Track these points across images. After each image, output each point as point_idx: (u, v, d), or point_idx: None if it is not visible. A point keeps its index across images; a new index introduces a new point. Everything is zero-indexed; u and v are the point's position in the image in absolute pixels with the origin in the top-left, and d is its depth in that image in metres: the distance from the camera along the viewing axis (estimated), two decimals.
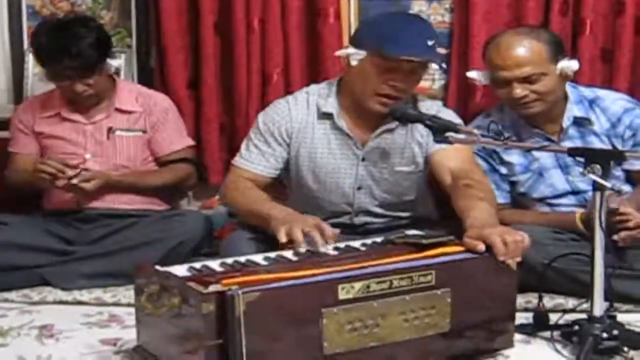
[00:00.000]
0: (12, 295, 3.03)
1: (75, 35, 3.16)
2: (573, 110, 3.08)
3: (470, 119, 3.23)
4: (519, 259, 2.32)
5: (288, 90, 3.50)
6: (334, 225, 2.97)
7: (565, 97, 3.10)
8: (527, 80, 2.97)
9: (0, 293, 3.04)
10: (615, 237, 2.79)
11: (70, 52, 3.13)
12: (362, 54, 2.83)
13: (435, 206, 3.25)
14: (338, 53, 2.99)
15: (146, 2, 3.75)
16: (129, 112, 3.38)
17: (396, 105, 2.76)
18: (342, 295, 2.07)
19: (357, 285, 2.09)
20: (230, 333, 1.96)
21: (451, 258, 2.28)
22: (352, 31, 3.58)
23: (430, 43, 2.80)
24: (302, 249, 2.42)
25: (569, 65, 3.02)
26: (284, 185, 3.15)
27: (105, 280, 3.10)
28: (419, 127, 2.91)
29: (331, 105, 2.97)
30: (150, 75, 3.75)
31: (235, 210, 2.98)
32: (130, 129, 3.37)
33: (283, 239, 2.48)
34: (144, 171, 3.41)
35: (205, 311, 1.95)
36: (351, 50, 2.88)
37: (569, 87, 3.12)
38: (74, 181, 3.14)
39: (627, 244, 2.83)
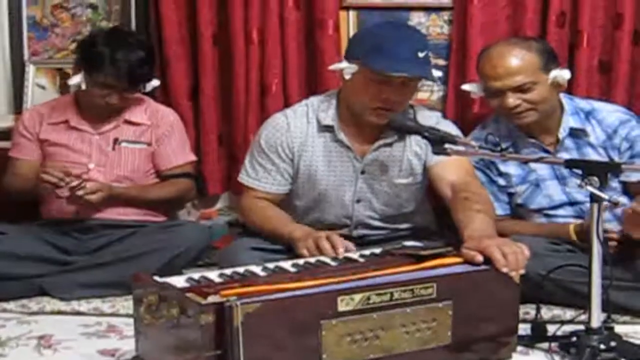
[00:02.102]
0: (11, 305, 3.02)
1: (131, 47, 3.20)
2: (569, 121, 3.09)
3: (469, 131, 3.24)
4: (522, 272, 2.32)
5: (287, 101, 3.52)
6: None
7: (562, 109, 3.11)
8: (519, 89, 2.97)
9: None
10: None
11: (128, 64, 3.17)
12: (354, 67, 2.83)
13: (434, 216, 3.26)
14: (332, 67, 2.98)
15: (146, 12, 3.75)
16: (137, 124, 3.38)
17: (395, 116, 2.76)
18: (341, 307, 2.07)
19: (357, 297, 2.09)
20: (228, 344, 1.96)
21: (453, 270, 2.28)
22: None
23: (421, 55, 2.78)
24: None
25: (561, 74, 3.03)
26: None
27: (103, 290, 3.09)
28: (417, 140, 2.91)
29: (331, 117, 2.97)
30: None
31: (258, 231, 2.99)
32: (136, 141, 3.37)
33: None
34: (146, 185, 3.41)
35: (204, 322, 1.95)
36: (344, 64, 2.87)
37: (564, 99, 3.13)
38: (80, 192, 3.14)
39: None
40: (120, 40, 3.22)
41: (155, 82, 3.41)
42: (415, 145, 2.97)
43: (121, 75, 3.18)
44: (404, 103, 2.89)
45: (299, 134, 2.99)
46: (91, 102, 3.30)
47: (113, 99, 3.24)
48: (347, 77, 2.85)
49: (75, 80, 3.28)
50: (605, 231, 2.73)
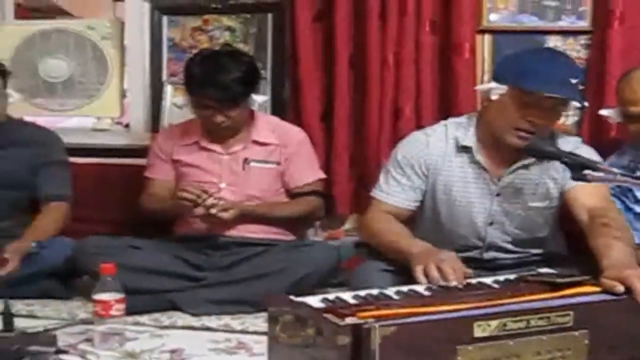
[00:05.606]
0: (144, 318, 3.08)
1: (224, 67, 3.25)
2: None
3: (604, 156, 3.17)
4: None
5: (419, 125, 3.51)
6: (463, 260, 2.97)
7: None
8: None
9: (132, 316, 3.08)
10: None
11: (217, 84, 3.22)
12: (502, 88, 2.83)
13: (565, 242, 3.20)
14: (479, 87, 2.99)
15: (282, 35, 3.83)
16: (265, 144, 3.43)
17: (534, 142, 2.73)
18: (477, 332, 2.04)
19: (494, 323, 2.06)
20: None
21: (590, 299, 2.24)
22: (485, 66, 3.59)
23: (573, 81, 2.78)
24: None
25: None
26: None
27: (233, 307, 3.13)
28: (555, 163, 2.87)
29: (470, 139, 2.96)
30: (284, 106, 3.81)
31: (375, 244, 2.99)
32: (265, 161, 3.42)
33: (423, 281, 2.49)
34: (275, 202, 3.46)
35: (341, 343, 1.95)
36: (493, 84, 2.88)
37: None
38: (213, 211, 3.21)
39: None
40: (212, 62, 3.28)
41: (261, 98, 3.46)
42: (552, 169, 2.93)
43: (210, 95, 3.24)
44: (548, 127, 2.85)
45: (437, 153, 2.99)
46: (204, 123, 3.38)
47: (217, 118, 3.29)
48: (494, 97, 2.85)
49: (181, 101, 3.36)
50: None
